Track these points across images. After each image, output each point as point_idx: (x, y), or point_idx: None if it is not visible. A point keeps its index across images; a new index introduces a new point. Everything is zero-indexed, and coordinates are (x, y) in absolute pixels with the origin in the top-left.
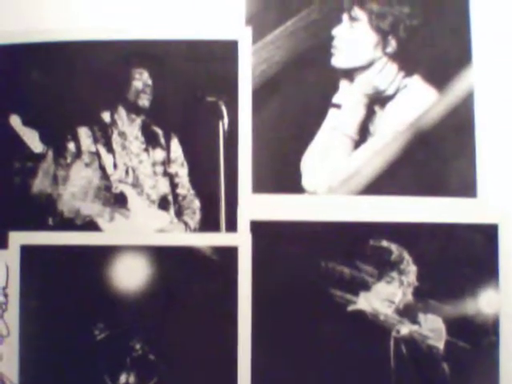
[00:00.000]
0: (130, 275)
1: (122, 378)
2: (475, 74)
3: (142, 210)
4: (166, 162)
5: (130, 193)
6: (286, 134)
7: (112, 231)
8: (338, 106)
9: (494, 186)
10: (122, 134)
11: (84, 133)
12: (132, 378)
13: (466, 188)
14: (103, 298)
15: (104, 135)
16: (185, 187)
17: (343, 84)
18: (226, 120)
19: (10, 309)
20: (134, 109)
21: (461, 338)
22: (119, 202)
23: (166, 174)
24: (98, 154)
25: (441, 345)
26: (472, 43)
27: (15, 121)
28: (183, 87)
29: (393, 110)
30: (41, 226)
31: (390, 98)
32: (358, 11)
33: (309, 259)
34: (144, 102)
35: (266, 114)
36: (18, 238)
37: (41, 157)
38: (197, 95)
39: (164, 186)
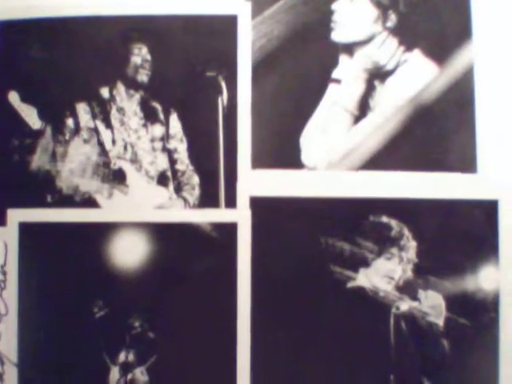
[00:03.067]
0: (129, 252)
1: (121, 355)
2: (475, 49)
3: (140, 187)
4: (165, 137)
5: (128, 169)
6: (285, 109)
7: (111, 208)
8: (337, 81)
9: (494, 161)
10: (121, 110)
11: (82, 109)
12: (131, 356)
13: (467, 163)
14: (102, 275)
15: (102, 111)
16: (184, 163)
17: (343, 59)
18: (225, 95)
19: (9, 287)
20: (132, 84)
21: (461, 314)
22: (118, 178)
23: (164, 149)
24: (96, 130)
25: (441, 321)
26: (472, 18)
27: (13, 97)
28: (182, 62)
29: (393, 84)
30: (39, 202)
31: (390, 72)
32: None
33: (308, 235)
34: (143, 77)
35: (266, 89)
36: (17, 215)
37: (39, 133)
38: (196, 70)
39: (163, 162)
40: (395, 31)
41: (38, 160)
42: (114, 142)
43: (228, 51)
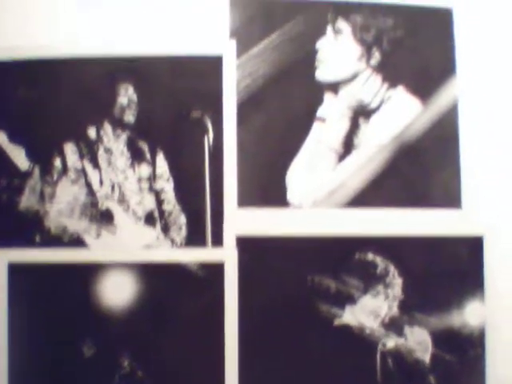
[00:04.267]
0: (118, 291)
1: None
2: (459, 86)
3: (128, 227)
4: (152, 177)
5: (116, 209)
6: (271, 147)
7: (99, 248)
8: (322, 120)
9: (478, 197)
10: (108, 150)
11: (70, 149)
12: None
13: (451, 199)
14: (91, 314)
15: (90, 151)
16: (171, 203)
17: (328, 97)
18: (211, 135)
19: None
20: (119, 124)
21: (447, 350)
22: (106, 218)
23: (151, 189)
24: (84, 171)
25: (427, 357)
26: (455, 55)
27: (1, 138)
28: (168, 102)
29: (377, 122)
30: (28, 243)
31: (375, 110)
32: (341, 23)
33: (295, 273)
34: (129, 117)
35: (251, 128)
36: (6, 256)
37: (27, 174)
38: (182, 110)
39: (150, 202)
40: (379, 69)
41: (27, 200)
42: (101, 182)
43: (213, 91)
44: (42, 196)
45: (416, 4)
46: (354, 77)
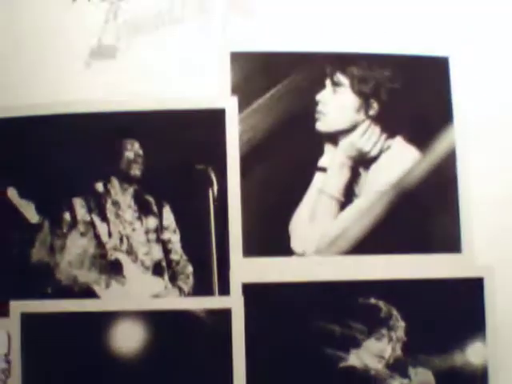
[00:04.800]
0: (128, 339)
1: None
2: (456, 133)
3: (137, 277)
4: (159, 229)
5: (124, 260)
6: (274, 198)
7: (108, 297)
8: (323, 170)
9: (478, 241)
10: (116, 203)
11: (79, 203)
12: None
13: (451, 244)
14: (102, 361)
15: (98, 205)
16: (178, 253)
17: (328, 147)
18: (215, 187)
19: (13, 375)
20: (126, 178)
21: None
22: (115, 269)
23: (158, 240)
24: (92, 224)
25: None
26: (452, 103)
27: (12, 193)
28: (173, 156)
29: (377, 170)
30: (40, 293)
31: (374, 159)
32: (340, 76)
33: (300, 319)
34: (136, 171)
35: (255, 180)
36: (18, 307)
37: (38, 227)
38: (186, 163)
39: (157, 253)
40: (378, 119)
41: (38, 253)
42: (110, 234)
43: (217, 144)
44: (52, 248)
45: (412, 54)
46: (353, 127)
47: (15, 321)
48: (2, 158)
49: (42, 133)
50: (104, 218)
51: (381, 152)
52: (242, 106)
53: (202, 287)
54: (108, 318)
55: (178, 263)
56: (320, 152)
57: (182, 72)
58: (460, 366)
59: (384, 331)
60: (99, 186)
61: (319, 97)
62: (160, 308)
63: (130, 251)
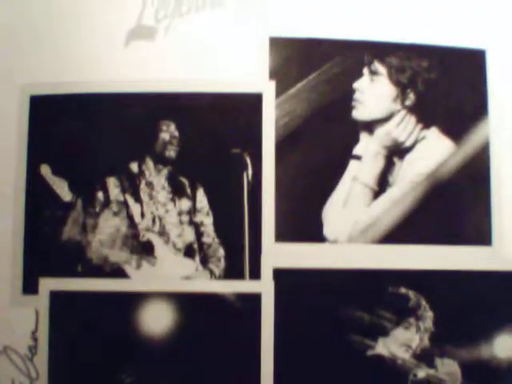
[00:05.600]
0: (157, 320)
1: None
2: (491, 126)
3: (168, 258)
4: (192, 211)
5: (156, 241)
6: (307, 184)
7: (139, 278)
8: (358, 158)
9: (508, 234)
10: (150, 184)
11: (112, 183)
12: None
13: (482, 237)
14: (130, 342)
15: (132, 185)
16: (210, 236)
17: (363, 136)
18: (250, 171)
19: (40, 352)
20: (160, 159)
21: (476, 381)
22: (146, 249)
23: (191, 223)
24: (125, 204)
25: None
26: (488, 96)
27: (45, 170)
28: (209, 139)
29: (411, 161)
30: (70, 272)
31: (409, 149)
32: (378, 65)
33: (329, 306)
34: (171, 153)
35: (289, 165)
36: (48, 284)
37: (70, 205)
38: (222, 147)
39: (190, 235)
40: (413, 109)
41: (69, 231)
42: (142, 215)
43: (253, 128)
44: (84, 227)
45: (450, 45)
46: (389, 117)
47: (44, 298)
48: (36, 135)
49: (77, 111)
50: (137, 199)
51: (415, 142)
52: (280, 91)
53: (232, 271)
54: (137, 299)
55: (209, 246)
56: (355, 140)
57: (221, 55)
58: (487, 359)
59: (412, 321)
60: (134, 167)
61: (356, 85)
62: (190, 290)
63: (162, 232)
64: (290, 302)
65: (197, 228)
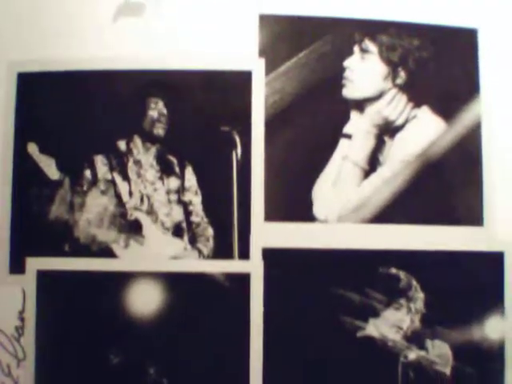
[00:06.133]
0: (145, 301)
1: None
2: (483, 106)
3: (156, 237)
4: (181, 190)
5: (144, 220)
6: (297, 163)
7: (127, 257)
8: (348, 136)
9: (500, 214)
10: (138, 163)
11: (100, 161)
12: None
13: (473, 217)
14: (118, 322)
15: (120, 163)
16: (198, 215)
17: (354, 115)
18: (239, 149)
19: (27, 333)
20: (149, 138)
21: (467, 363)
22: (134, 228)
23: (180, 201)
24: (113, 182)
25: (448, 370)
26: (480, 75)
27: (32, 148)
28: (197, 117)
29: (402, 140)
30: (57, 251)
31: (399, 128)
32: (368, 43)
33: (319, 286)
34: (159, 131)
35: (279, 144)
36: (35, 264)
37: (57, 184)
38: (211, 125)
39: (178, 214)
40: (404, 88)
41: (56, 210)
42: (130, 193)
43: (242, 106)
44: (71, 206)
45: (441, 24)
46: (379, 95)
47: (31, 278)
48: (24, 113)
49: (65, 88)
50: (125, 177)
51: (406, 121)
52: (269, 69)
53: (221, 250)
54: (125, 279)
55: (198, 225)
56: (346, 118)
57: (210, 33)
58: (478, 340)
59: (403, 302)
60: (121, 145)
61: (347, 63)
62: (178, 270)
63: (151, 211)
64: (279, 282)
65: (185, 207)
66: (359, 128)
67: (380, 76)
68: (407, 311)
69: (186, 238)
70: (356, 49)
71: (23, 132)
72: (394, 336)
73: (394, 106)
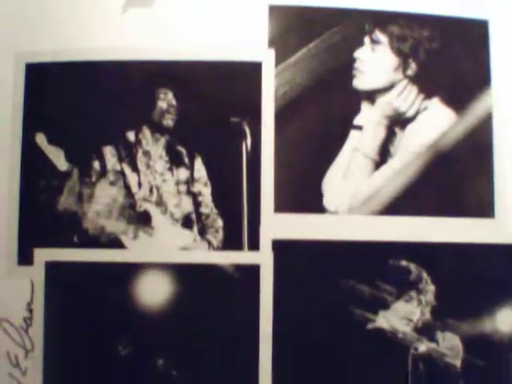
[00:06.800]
0: (154, 292)
1: None
2: (494, 97)
3: (165, 228)
4: (190, 181)
5: (153, 211)
6: (307, 154)
7: (136, 249)
8: (359, 128)
9: (511, 207)
10: (147, 153)
11: (109, 152)
12: None
13: (484, 209)
14: (127, 314)
15: (129, 154)
16: (208, 206)
17: (364, 106)
18: (249, 140)
19: (35, 324)
20: (158, 128)
21: (478, 355)
22: (143, 220)
23: (189, 192)
24: (122, 173)
25: (458, 362)
26: (491, 66)
27: (41, 139)
28: (207, 108)
29: (413, 131)
30: (66, 243)
31: (410, 119)
32: (379, 34)
33: (329, 278)
34: (168, 121)
35: (289, 135)
36: (43, 255)
37: (66, 175)
38: (220, 116)
39: (187, 205)
40: (415, 79)
41: (65, 201)
42: (139, 184)
43: (252, 97)
44: (80, 197)
45: (452, 15)
46: (390, 86)
47: (39, 269)
48: (32, 104)
49: (73, 79)
50: (134, 168)
51: (417, 113)
52: (279, 60)
53: (231, 242)
54: (134, 270)
55: (207, 216)
56: (356, 110)
57: (220, 23)
58: (488, 333)
59: (413, 294)
60: (130, 135)
61: (357, 54)
62: (188, 261)
63: (160, 202)
64: (288, 273)
65: (195, 198)
66: (370, 119)
67: (391, 67)
68: (417, 303)
69: (195, 229)
70: (366, 40)
71: (32, 123)
72: (404, 328)
73: (405, 97)
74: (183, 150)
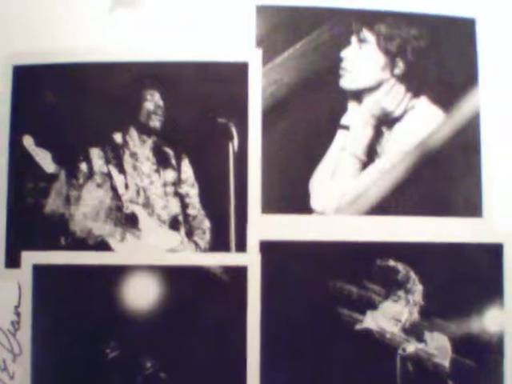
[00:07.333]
0: (141, 294)
1: None
2: (481, 96)
3: (152, 230)
4: (177, 182)
5: (141, 213)
6: (294, 154)
7: (123, 251)
8: (346, 127)
9: (499, 206)
10: (134, 155)
11: (96, 153)
12: None
13: (472, 208)
14: (115, 316)
15: (116, 156)
16: (195, 207)
17: (352, 105)
18: (235, 141)
19: (23, 327)
20: (145, 130)
21: (466, 355)
22: (130, 222)
23: (176, 194)
24: (109, 175)
25: (446, 362)
26: (478, 65)
27: (28, 141)
28: (194, 108)
29: (400, 130)
30: (53, 245)
31: (398, 119)
32: (366, 33)
33: (317, 278)
34: (155, 123)
35: (276, 135)
36: (31, 258)
37: (53, 177)
38: (207, 116)
39: (175, 207)
40: (403, 78)
41: (52, 203)
42: (126, 186)
43: (239, 98)
44: (67, 199)
45: (439, 14)
46: (378, 86)
47: (27, 272)
48: (19, 106)
49: (60, 80)
50: (121, 170)
51: (405, 112)
52: (266, 60)
53: (218, 243)
54: (122, 272)
55: (195, 218)
56: (343, 109)
57: (206, 23)
58: (476, 333)
59: (401, 294)
60: (117, 137)
61: (344, 53)
62: (175, 263)
63: (147, 204)
64: (276, 274)
65: (182, 199)
66: (357, 119)
67: (378, 66)
68: (405, 303)
69: (182, 230)
70: (353, 39)
71: (19, 125)
72: (392, 328)
73: (393, 96)
74: (170, 152)
